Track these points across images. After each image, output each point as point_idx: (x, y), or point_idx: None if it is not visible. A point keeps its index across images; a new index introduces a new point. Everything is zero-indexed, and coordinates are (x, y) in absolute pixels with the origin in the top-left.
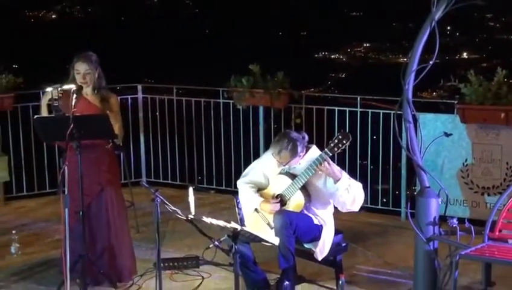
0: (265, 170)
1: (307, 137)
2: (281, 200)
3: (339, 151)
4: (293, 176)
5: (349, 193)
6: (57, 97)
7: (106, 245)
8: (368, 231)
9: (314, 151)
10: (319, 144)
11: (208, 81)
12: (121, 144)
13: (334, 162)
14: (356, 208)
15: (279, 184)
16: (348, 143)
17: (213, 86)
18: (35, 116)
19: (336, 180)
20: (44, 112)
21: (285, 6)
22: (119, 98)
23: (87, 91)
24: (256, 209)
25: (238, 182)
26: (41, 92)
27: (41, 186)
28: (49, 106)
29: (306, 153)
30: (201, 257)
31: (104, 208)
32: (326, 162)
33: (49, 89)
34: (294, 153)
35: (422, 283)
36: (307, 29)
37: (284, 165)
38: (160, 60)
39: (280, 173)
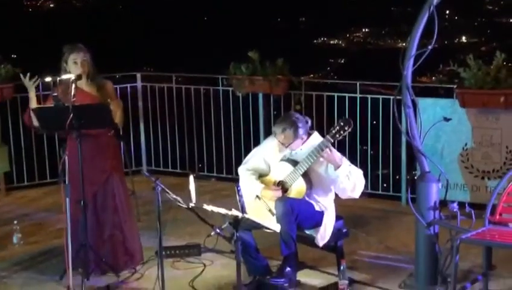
0: (266, 156)
1: (310, 122)
2: (283, 186)
3: (341, 137)
4: (294, 163)
5: (349, 180)
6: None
7: (115, 232)
8: (369, 216)
9: (316, 137)
10: (319, 130)
11: (207, 69)
12: (121, 132)
13: (334, 147)
14: (356, 195)
15: (281, 171)
16: (349, 129)
17: (212, 73)
18: (35, 107)
19: (337, 167)
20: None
21: None
22: (118, 86)
23: (82, 82)
24: (257, 196)
25: (239, 169)
26: (40, 82)
27: (42, 176)
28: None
29: (308, 139)
30: (202, 245)
31: (111, 195)
32: (327, 149)
33: (48, 79)
34: (296, 134)
35: (424, 267)
36: (306, 15)
37: (286, 147)
38: (159, 48)
39: (281, 160)
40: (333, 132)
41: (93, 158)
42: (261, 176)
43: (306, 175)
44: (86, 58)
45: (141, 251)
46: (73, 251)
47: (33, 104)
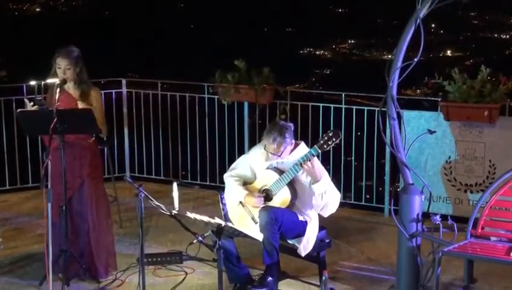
0: (252, 164)
1: (293, 126)
2: (267, 195)
3: (328, 148)
4: (280, 172)
5: (322, 199)
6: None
7: (87, 239)
8: (352, 227)
9: (303, 148)
10: (303, 140)
11: (193, 77)
12: (105, 138)
13: (318, 157)
14: (325, 214)
15: (266, 179)
16: (337, 141)
17: (198, 81)
18: (19, 110)
19: (315, 182)
20: None
21: (270, 2)
22: (103, 92)
23: (69, 85)
24: (241, 203)
25: (225, 176)
26: (24, 86)
27: (24, 181)
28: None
29: (295, 149)
30: (184, 253)
31: (85, 201)
32: (309, 162)
33: (32, 83)
34: (286, 140)
35: (405, 279)
36: (292, 25)
37: (279, 156)
38: (145, 55)
39: (267, 168)
40: (321, 142)
41: (71, 163)
42: (246, 183)
43: (291, 185)
44: (69, 65)
45: (107, 263)
46: (53, 256)
47: None
